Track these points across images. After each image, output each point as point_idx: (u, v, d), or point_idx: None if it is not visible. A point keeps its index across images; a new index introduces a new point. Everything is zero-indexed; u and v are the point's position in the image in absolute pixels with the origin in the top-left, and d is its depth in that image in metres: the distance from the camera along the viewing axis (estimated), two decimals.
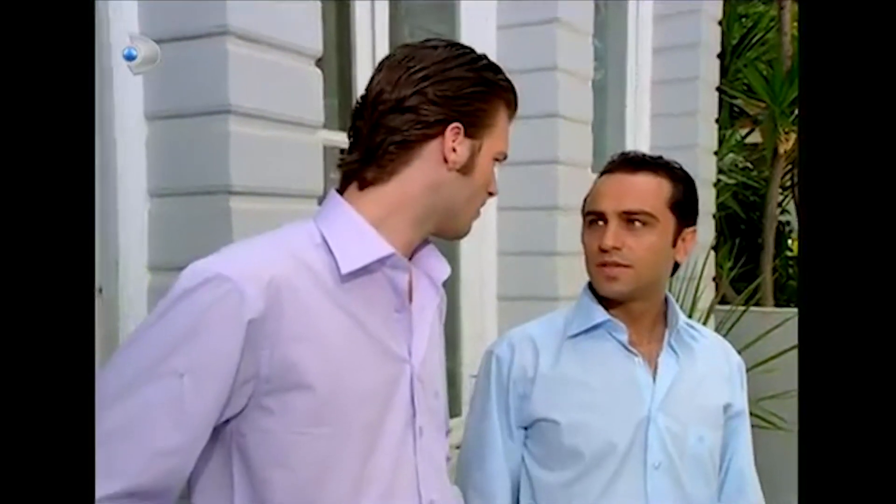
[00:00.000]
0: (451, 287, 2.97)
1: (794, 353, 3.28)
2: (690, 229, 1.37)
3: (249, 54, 1.77)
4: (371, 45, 2.48)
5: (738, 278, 4.35)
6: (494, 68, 1.08)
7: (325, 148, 2.09)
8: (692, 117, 4.00)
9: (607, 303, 1.36)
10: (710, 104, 4.19)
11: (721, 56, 4.41)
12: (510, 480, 1.40)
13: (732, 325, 3.14)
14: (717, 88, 4.33)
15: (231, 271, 0.95)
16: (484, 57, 1.09)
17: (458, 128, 1.04)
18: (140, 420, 0.92)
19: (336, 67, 2.65)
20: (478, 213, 1.13)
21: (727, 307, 3.60)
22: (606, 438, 1.32)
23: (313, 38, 1.94)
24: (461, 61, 1.06)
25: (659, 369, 1.36)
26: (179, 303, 0.95)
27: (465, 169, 1.06)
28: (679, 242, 1.36)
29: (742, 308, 3.37)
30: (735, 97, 4.73)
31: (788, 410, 3.15)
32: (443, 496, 1.11)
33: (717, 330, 3.08)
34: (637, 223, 1.31)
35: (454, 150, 1.04)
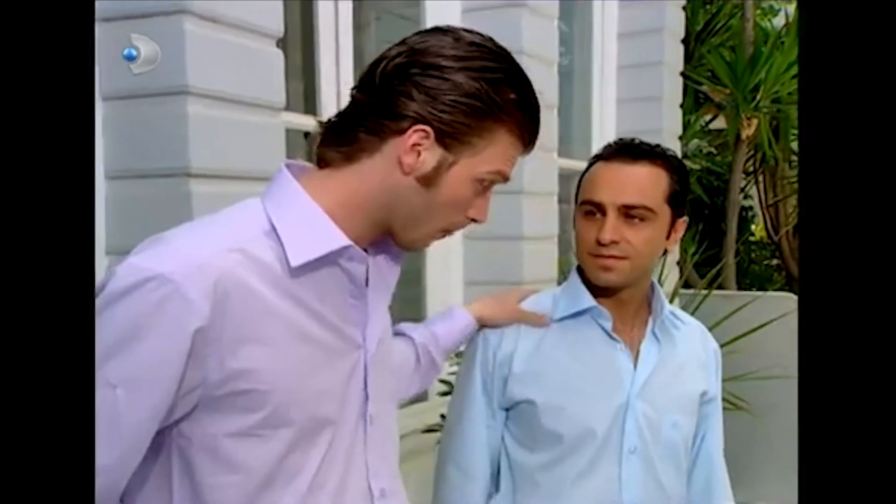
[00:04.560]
0: (417, 271, 2.97)
1: (756, 335, 3.35)
2: (682, 219, 1.38)
3: (208, 34, 1.73)
4: (334, 26, 2.45)
5: (702, 262, 4.40)
6: (512, 84, 0.94)
7: (287, 130, 2.06)
8: (657, 102, 4.03)
9: (595, 288, 1.37)
10: (674, 89, 4.22)
11: (685, 42, 4.43)
12: (490, 459, 1.40)
13: (696, 309, 3.18)
14: (682, 74, 4.35)
15: (172, 270, 0.84)
16: (505, 69, 0.94)
17: (425, 131, 0.91)
18: None
19: (300, 49, 2.62)
20: (441, 234, 1.00)
21: (690, 291, 3.64)
22: (585, 423, 1.33)
23: (274, 19, 1.91)
24: (473, 65, 0.92)
25: (640, 356, 1.37)
26: (114, 305, 0.84)
27: (427, 180, 0.93)
28: (672, 233, 1.36)
29: (705, 291, 3.41)
30: (700, 83, 4.77)
31: (750, 392, 3.21)
32: (392, 482, 1.04)
33: None
34: (636, 217, 1.30)
35: (419, 154, 0.92)
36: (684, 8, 4.38)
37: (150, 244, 0.90)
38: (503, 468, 1.40)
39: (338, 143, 0.96)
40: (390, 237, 1.01)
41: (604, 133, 3.92)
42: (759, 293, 4.00)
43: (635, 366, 1.36)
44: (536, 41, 2.97)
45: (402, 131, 0.92)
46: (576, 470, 1.33)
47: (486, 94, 0.92)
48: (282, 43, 1.97)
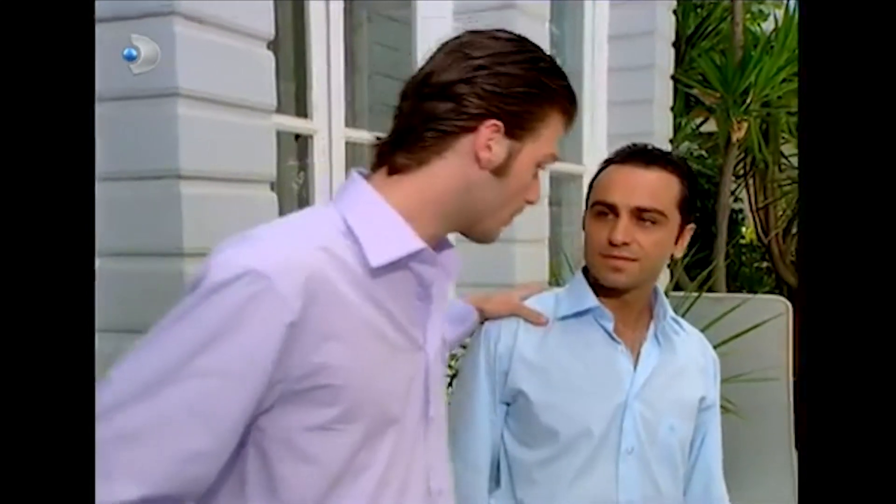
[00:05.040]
0: None
1: (745, 337, 3.35)
2: (690, 226, 1.40)
3: (198, 35, 1.73)
4: (326, 28, 2.45)
5: (692, 265, 4.41)
6: (556, 72, 1.02)
7: (278, 133, 2.06)
8: (648, 105, 4.04)
9: (599, 290, 1.38)
10: (665, 92, 4.24)
11: (676, 45, 4.45)
12: (492, 454, 1.42)
13: (686, 311, 3.19)
14: (673, 77, 4.37)
15: (266, 267, 0.87)
16: (547, 59, 1.03)
17: (496, 125, 0.97)
18: (165, 422, 0.86)
19: (291, 51, 2.62)
20: (509, 220, 1.07)
21: (681, 293, 3.64)
22: (583, 422, 1.35)
23: (265, 20, 1.91)
24: (519, 58, 0.99)
25: (640, 358, 1.39)
26: (210, 298, 0.87)
27: (500, 171, 1.00)
28: (679, 239, 1.39)
29: (695, 294, 3.42)
30: (690, 86, 4.79)
31: (739, 395, 3.21)
32: (446, 481, 1.09)
33: None
34: (647, 220, 1.32)
35: (489, 147, 0.98)
36: (675, 11, 4.40)
37: (239, 241, 0.92)
38: (502, 464, 1.42)
39: (407, 149, 0.99)
40: (463, 232, 1.06)
41: (594, 136, 3.93)
42: (749, 296, 4.01)
43: (635, 367, 1.38)
44: None
45: (473, 129, 0.98)
46: (573, 468, 1.35)
47: (541, 82, 1.00)
48: (272, 45, 1.97)
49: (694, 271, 4.47)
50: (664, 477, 1.39)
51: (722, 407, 1.41)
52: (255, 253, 0.89)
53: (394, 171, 1.00)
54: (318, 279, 0.90)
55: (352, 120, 2.62)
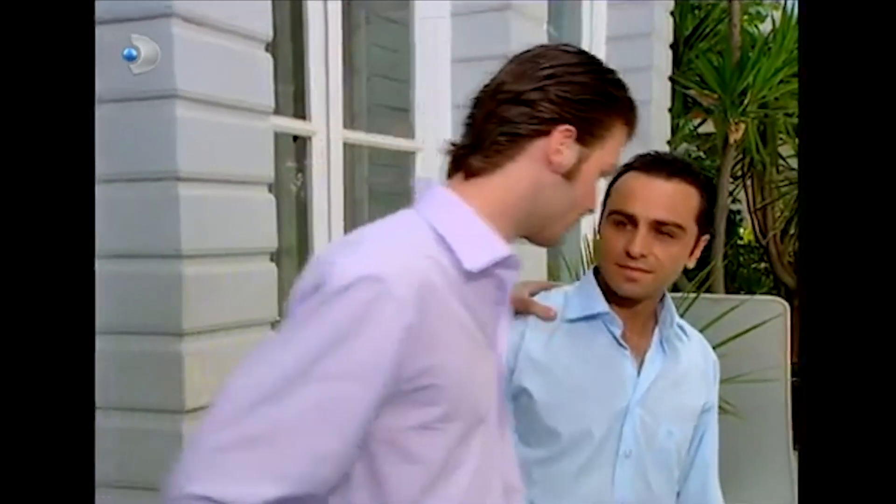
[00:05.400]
0: None
1: (743, 338, 3.35)
2: (704, 237, 1.40)
3: (196, 37, 1.73)
4: (324, 29, 2.45)
5: None
6: (621, 84, 1.08)
7: (276, 134, 2.06)
8: (646, 106, 4.05)
9: (611, 296, 1.39)
10: (663, 93, 4.25)
11: (674, 46, 4.46)
12: None
13: (684, 312, 3.19)
14: (670, 78, 4.38)
15: (383, 273, 0.91)
16: (613, 72, 1.08)
17: (569, 130, 1.02)
18: (297, 424, 0.89)
19: (290, 53, 2.62)
20: (571, 225, 1.12)
21: (679, 294, 3.64)
22: (585, 424, 1.36)
23: (263, 22, 1.91)
24: (589, 69, 1.05)
25: (645, 364, 1.40)
26: (331, 303, 0.90)
27: (569, 175, 1.04)
28: (694, 250, 1.40)
29: (693, 295, 3.42)
30: (688, 87, 4.79)
31: (737, 396, 3.21)
32: (519, 478, 1.13)
33: None
34: (665, 233, 1.33)
35: (560, 151, 1.02)
36: (672, 13, 4.41)
37: (346, 248, 0.97)
38: None
39: (482, 153, 1.03)
40: (529, 237, 1.10)
41: None
42: (747, 297, 4.01)
43: (639, 373, 1.39)
44: (525, 44, 2.97)
45: (546, 133, 1.02)
46: (572, 469, 1.36)
47: (608, 92, 1.05)
48: (271, 46, 1.97)
49: (692, 272, 4.46)
50: (658, 479, 1.40)
51: (720, 408, 1.41)
52: (371, 260, 0.93)
53: (470, 174, 1.04)
54: (428, 285, 0.94)
55: (350, 121, 2.63)
